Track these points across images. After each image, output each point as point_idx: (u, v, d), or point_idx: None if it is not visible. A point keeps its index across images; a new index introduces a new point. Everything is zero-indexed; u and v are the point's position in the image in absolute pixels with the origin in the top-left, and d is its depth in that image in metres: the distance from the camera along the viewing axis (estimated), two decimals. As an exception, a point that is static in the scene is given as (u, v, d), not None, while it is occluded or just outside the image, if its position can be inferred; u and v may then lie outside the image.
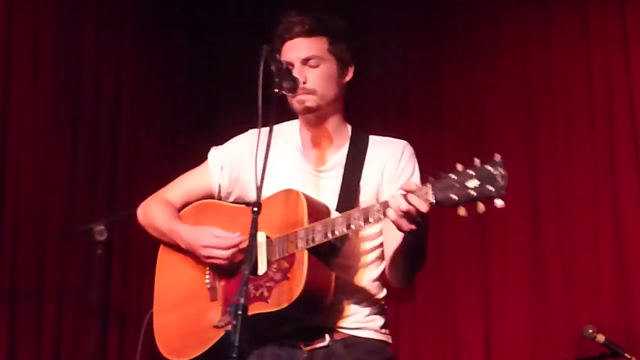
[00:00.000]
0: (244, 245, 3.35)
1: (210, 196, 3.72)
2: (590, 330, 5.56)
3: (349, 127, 3.68)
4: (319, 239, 3.21)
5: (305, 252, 3.22)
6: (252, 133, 3.71)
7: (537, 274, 6.42)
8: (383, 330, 3.53)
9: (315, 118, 3.59)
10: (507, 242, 6.54)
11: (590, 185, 6.27)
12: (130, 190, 6.96)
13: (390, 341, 3.58)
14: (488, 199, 2.85)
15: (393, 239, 3.38)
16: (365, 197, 3.48)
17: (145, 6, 7.46)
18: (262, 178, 3.11)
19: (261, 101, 3.17)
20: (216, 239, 3.42)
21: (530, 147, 6.55)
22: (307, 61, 3.52)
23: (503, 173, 2.85)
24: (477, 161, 2.92)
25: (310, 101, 3.51)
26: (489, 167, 2.88)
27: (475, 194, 2.87)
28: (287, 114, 3.65)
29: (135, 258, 6.99)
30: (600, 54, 6.37)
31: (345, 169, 3.53)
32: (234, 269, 3.44)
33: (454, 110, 7.01)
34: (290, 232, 3.29)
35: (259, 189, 3.09)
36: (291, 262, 3.25)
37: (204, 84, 7.93)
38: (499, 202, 2.85)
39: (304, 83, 3.50)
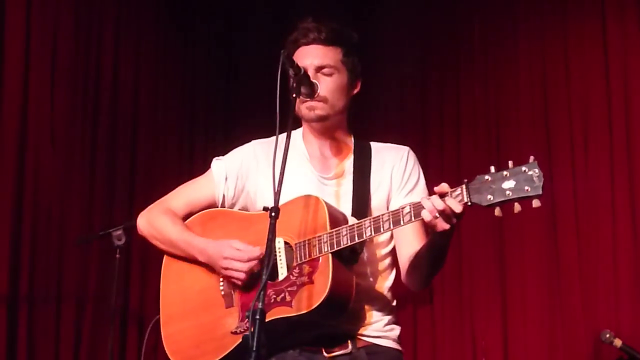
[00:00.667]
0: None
1: (213, 206, 3.69)
2: (608, 335, 5.57)
3: (352, 136, 3.69)
4: (344, 242, 3.22)
5: (330, 256, 3.22)
6: (257, 143, 3.72)
7: (554, 279, 6.41)
8: (398, 340, 3.53)
9: (322, 127, 3.59)
10: (525, 247, 6.54)
11: (608, 190, 6.26)
12: (148, 195, 6.88)
13: (403, 350, 3.57)
14: (525, 199, 2.90)
15: (408, 244, 3.41)
16: (377, 203, 3.51)
17: (165, 10, 7.48)
18: (280, 183, 3.11)
19: (279, 106, 3.17)
20: (237, 252, 3.40)
21: (547, 152, 6.55)
22: (321, 69, 3.52)
23: (539, 173, 2.91)
24: (510, 163, 2.97)
25: (320, 109, 3.51)
26: (525, 168, 2.93)
27: (511, 194, 2.91)
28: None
29: (153, 262, 6.92)
30: (617, 57, 6.37)
31: (354, 176, 3.55)
32: (250, 276, 3.43)
33: (471, 115, 7.01)
34: (313, 237, 3.29)
35: (277, 194, 3.09)
36: (314, 266, 3.25)
37: (222, 89, 7.96)
38: (535, 203, 2.90)
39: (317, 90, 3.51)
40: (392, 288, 3.54)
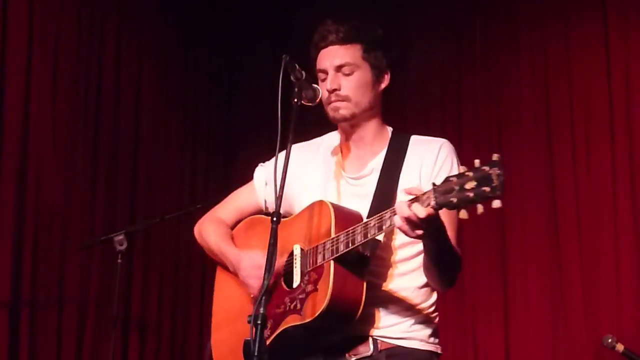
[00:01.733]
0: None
1: (260, 212, 3.76)
2: (610, 340, 5.55)
3: (389, 131, 3.65)
4: (342, 248, 3.20)
5: (331, 263, 3.21)
6: (296, 147, 3.67)
7: (556, 284, 6.40)
8: (431, 340, 3.49)
9: (350, 126, 3.57)
10: (527, 251, 6.53)
11: (610, 193, 6.25)
12: (150, 201, 6.99)
13: (439, 351, 3.53)
14: (485, 200, 2.77)
15: None
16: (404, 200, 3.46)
17: (166, 15, 7.49)
18: (282, 188, 3.13)
19: (280, 111, 3.18)
20: (254, 269, 3.45)
21: (548, 155, 6.54)
22: (341, 68, 3.51)
23: (498, 172, 2.76)
24: (476, 162, 2.84)
25: (344, 109, 3.50)
26: (486, 167, 2.79)
27: (472, 195, 2.79)
28: (329, 125, 3.66)
29: (155, 267, 7.01)
30: (619, 59, 6.36)
31: (381, 173, 3.50)
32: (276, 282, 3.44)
33: (472, 118, 7.01)
34: (319, 243, 3.29)
35: (279, 199, 3.11)
36: (320, 274, 3.25)
37: (224, 91, 7.95)
38: (495, 203, 2.77)
39: (338, 90, 3.49)
40: (426, 286, 3.47)
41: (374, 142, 3.60)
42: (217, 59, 7.88)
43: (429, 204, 2.90)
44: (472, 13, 7.14)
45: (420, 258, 3.42)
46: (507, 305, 6.60)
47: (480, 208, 2.80)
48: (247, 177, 3.88)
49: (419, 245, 3.40)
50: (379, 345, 3.36)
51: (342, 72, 3.51)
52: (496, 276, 6.67)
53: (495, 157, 2.80)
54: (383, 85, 3.61)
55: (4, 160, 5.97)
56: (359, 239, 3.18)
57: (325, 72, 3.53)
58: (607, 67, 6.39)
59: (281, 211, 3.61)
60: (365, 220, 3.27)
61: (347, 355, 3.36)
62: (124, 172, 6.88)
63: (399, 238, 3.38)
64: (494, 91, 6.95)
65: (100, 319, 6.41)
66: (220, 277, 3.79)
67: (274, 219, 3.07)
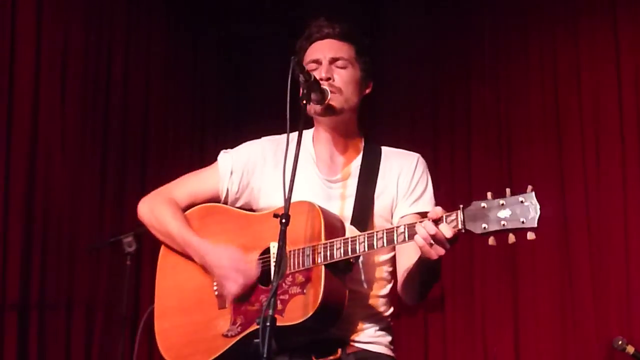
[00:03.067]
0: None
1: (216, 199, 3.68)
2: (620, 342, 5.55)
3: (362, 139, 3.66)
4: (337, 255, 3.19)
5: (323, 268, 3.19)
6: (267, 140, 3.73)
7: (566, 286, 6.39)
8: (392, 347, 3.51)
9: (334, 123, 3.56)
10: (537, 254, 6.51)
11: (620, 196, 6.25)
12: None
13: (395, 357, 3.54)
14: (519, 231, 2.83)
15: (408, 257, 3.37)
16: (380, 209, 3.48)
17: (174, 15, 7.50)
18: (291, 189, 3.09)
19: (289, 112, 3.17)
20: (233, 273, 3.37)
21: (558, 159, 6.54)
22: (335, 61, 3.52)
23: (535, 205, 2.83)
24: (508, 191, 2.89)
25: (335, 101, 3.48)
26: (522, 199, 2.85)
27: (506, 224, 2.85)
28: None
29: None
30: (629, 62, 6.35)
31: (359, 180, 3.51)
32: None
33: (482, 121, 7.00)
34: (307, 246, 3.26)
35: (287, 201, 3.08)
36: (307, 277, 3.23)
37: (232, 94, 7.95)
38: (530, 235, 2.84)
39: (332, 80, 3.48)
40: (389, 296, 3.52)
41: (349, 147, 3.61)
42: (226, 59, 7.89)
43: (455, 226, 2.93)
44: (481, 18, 7.13)
45: (388, 267, 3.51)
46: (517, 307, 6.59)
47: (512, 238, 2.86)
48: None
49: (390, 254, 3.50)
50: (348, 349, 3.37)
51: (335, 64, 3.52)
52: (506, 279, 6.66)
53: (529, 188, 2.86)
54: (367, 91, 3.63)
55: (13, 162, 5.98)
56: (360, 249, 3.17)
57: (318, 62, 3.53)
58: (617, 71, 6.39)
59: (243, 201, 3.62)
60: (347, 225, 3.33)
61: (313, 357, 3.35)
62: (133, 174, 6.88)
63: None
64: (503, 96, 6.94)
65: (109, 321, 6.42)
66: (168, 259, 3.70)
67: (283, 220, 3.03)
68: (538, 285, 6.52)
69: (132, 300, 6.54)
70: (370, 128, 3.78)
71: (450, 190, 6.60)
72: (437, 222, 2.97)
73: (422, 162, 3.59)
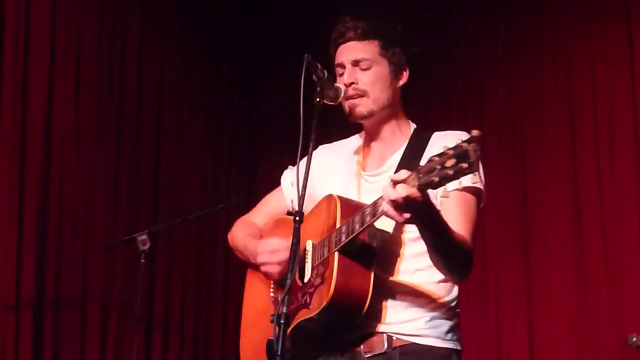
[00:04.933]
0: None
1: (290, 214, 3.72)
2: (635, 339, 5.53)
3: (412, 128, 3.62)
4: (343, 239, 3.17)
5: (335, 254, 3.18)
6: (322, 148, 3.71)
7: (580, 282, 6.38)
8: (449, 336, 3.40)
9: (370, 125, 3.56)
10: (551, 249, 6.51)
11: (634, 191, 6.23)
12: (172, 200, 7.00)
13: (458, 347, 3.45)
14: (463, 176, 2.72)
15: None
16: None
17: (189, 14, 7.51)
18: (304, 187, 3.10)
19: (303, 110, 3.17)
20: (267, 254, 3.46)
21: (572, 154, 6.52)
22: (358, 63, 3.50)
23: (476, 147, 2.68)
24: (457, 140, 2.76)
25: (362, 106, 3.47)
26: (464, 144, 2.71)
27: (451, 172, 2.71)
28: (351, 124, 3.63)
29: (178, 267, 7.02)
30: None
31: (397, 168, 3.40)
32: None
33: (495, 119, 6.99)
34: (325, 236, 3.29)
35: (301, 198, 3.09)
36: (326, 266, 3.23)
37: (246, 91, 7.96)
38: (473, 178, 2.83)
39: (355, 83, 3.47)
40: (443, 282, 3.39)
41: (394, 139, 3.57)
42: (239, 59, 7.89)
43: (413, 185, 2.81)
44: (495, 14, 7.12)
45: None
46: (531, 304, 6.58)
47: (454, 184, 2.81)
48: (270, 176, 3.88)
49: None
50: (394, 342, 3.30)
51: (359, 67, 3.50)
52: (519, 275, 6.65)
53: (474, 132, 2.72)
54: (401, 82, 3.58)
55: (27, 161, 5.99)
56: (357, 228, 3.12)
57: (343, 66, 3.52)
58: (631, 67, 6.37)
59: (305, 210, 3.62)
60: None
61: (359, 350, 3.31)
62: (147, 172, 6.90)
63: (411, 232, 3.30)
64: (516, 92, 6.93)
65: (123, 319, 6.42)
66: (250, 278, 3.78)
67: (297, 218, 3.05)
68: (552, 281, 6.50)
69: (147, 299, 6.56)
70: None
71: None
72: (398, 184, 2.86)
73: (465, 137, 3.48)
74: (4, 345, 5.75)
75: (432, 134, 3.53)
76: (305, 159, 3.23)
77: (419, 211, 2.89)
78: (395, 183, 2.85)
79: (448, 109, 7.29)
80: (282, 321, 2.86)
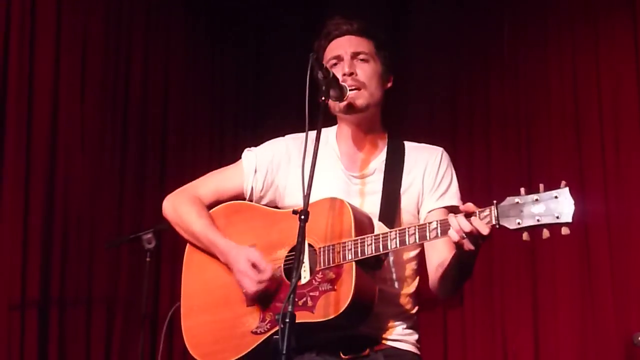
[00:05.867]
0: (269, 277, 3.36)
1: (241, 197, 3.70)
2: (640, 338, 5.53)
3: (386, 134, 3.68)
4: (369, 252, 3.20)
5: (354, 264, 3.20)
6: (291, 138, 3.74)
7: (586, 282, 6.36)
8: (419, 345, 3.52)
9: (359, 119, 3.58)
10: (556, 249, 6.49)
11: (640, 193, 6.22)
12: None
13: (421, 355, 3.55)
14: (554, 226, 2.86)
15: (438, 252, 3.40)
16: (406, 204, 3.49)
17: (193, 12, 7.50)
18: (310, 186, 3.10)
19: (308, 109, 3.17)
20: (250, 270, 3.39)
21: (577, 154, 6.50)
22: (357, 55, 3.54)
23: (570, 200, 2.86)
24: (541, 186, 2.92)
25: (361, 98, 3.51)
26: (556, 194, 2.88)
27: (541, 219, 2.87)
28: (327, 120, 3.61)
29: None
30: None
31: (385, 176, 3.53)
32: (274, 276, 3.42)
33: (501, 117, 6.98)
34: (337, 243, 3.27)
35: (307, 197, 3.08)
36: (338, 273, 3.23)
37: (251, 90, 7.95)
38: (565, 230, 2.87)
39: (355, 75, 3.50)
40: (414, 294, 3.53)
41: (373, 142, 3.63)
42: (244, 58, 7.89)
43: (489, 222, 2.95)
44: (501, 12, 7.11)
45: (414, 264, 3.52)
46: (537, 304, 6.57)
47: (546, 233, 2.89)
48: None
49: (415, 251, 3.51)
50: (376, 347, 3.39)
51: (358, 59, 3.54)
52: (525, 275, 6.64)
53: (563, 184, 2.88)
54: (389, 85, 3.65)
55: (33, 160, 6.00)
56: (392, 245, 3.19)
57: (340, 58, 3.55)
58: (637, 64, 6.35)
59: (267, 200, 3.64)
60: (376, 222, 3.35)
61: (340, 354, 3.36)
62: (152, 170, 6.90)
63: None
64: (522, 91, 6.92)
65: (129, 318, 6.44)
66: (193, 257, 3.69)
67: (302, 217, 3.03)
68: (558, 281, 6.49)
69: (152, 297, 6.56)
70: (391, 123, 3.76)
71: (469, 186, 6.58)
72: (468, 216, 2.99)
73: (446, 156, 3.61)
74: (9, 344, 5.76)
75: (403, 142, 3.64)
76: (308, 157, 3.22)
77: (483, 244, 3.04)
78: (468, 215, 2.99)
79: (454, 108, 7.28)
80: (287, 320, 2.85)
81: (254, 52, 7.96)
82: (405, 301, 3.49)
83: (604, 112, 6.44)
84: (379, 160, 3.58)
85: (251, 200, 3.68)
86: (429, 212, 3.48)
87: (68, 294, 6.16)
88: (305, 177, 3.12)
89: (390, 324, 3.43)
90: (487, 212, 2.97)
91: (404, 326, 3.46)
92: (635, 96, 6.31)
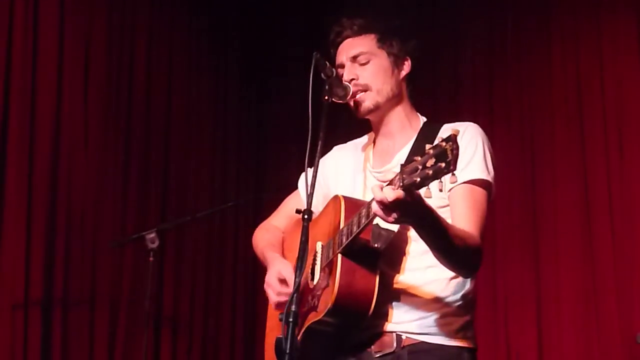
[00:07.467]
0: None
1: None
2: (645, 337, 5.52)
3: (422, 121, 3.58)
4: (343, 241, 3.15)
5: (339, 256, 3.16)
6: (337, 148, 3.73)
7: (589, 281, 6.35)
8: (460, 334, 3.36)
9: (377, 119, 3.54)
10: (559, 248, 6.48)
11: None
12: (181, 198, 7.00)
13: (469, 345, 3.41)
14: (442, 176, 2.66)
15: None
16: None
17: (197, 13, 7.50)
18: (313, 186, 3.10)
19: (311, 109, 3.16)
20: (275, 282, 3.43)
21: (581, 151, 6.49)
22: (356, 58, 3.50)
23: (453, 146, 2.63)
24: (437, 139, 2.72)
25: (367, 100, 3.46)
26: (442, 143, 2.67)
27: (431, 172, 2.67)
28: (360, 122, 3.62)
29: (187, 266, 7.02)
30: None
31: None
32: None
33: (504, 116, 6.97)
34: (331, 238, 3.27)
35: (310, 196, 3.08)
36: (331, 268, 3.21)
37: (255, 90, 7.95)
38: (452, 178, 2.66)
39: (356, 79, 3.47)
40: (454, 278, 3.35)
41: (402, 133, 3.53)
42: (248, 57, 7.88)
43: (399, 186, 2.78)
44: (504, 9, 7.10)
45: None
46: (540, 303, 6.56)
47: (438, 185, 2.69)
48: (278, 174, 3.88)
49: None
50: (403, 341, 3.27)
51: (357, 62, 3.50)
52: (528, 274, 6.63)
53: (453, 131, 2.68)
54: (404, 73, 3.55)
55: (36, 159, 6.00)
56: (355, 229, 3.10)
57: (342, 65, 3.52)
58: (639, 60, 6.34)
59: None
60: None
61: (370, 350, 3.29)
62: (156, 170, 6.90)
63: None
64: (525, 84, 6.90)
65: (132, 317, 6.43)
66: None
67: (305, 216, 3.04)
68: (561, 280, 6.48)
69: (155, 297, 6.56)
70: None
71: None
72: (386, 185, 2.83)
73: (471, 129, 3.40)
74: (13, 343, 5.77)
75: (440, 126, 3.44)
76: (315, 158, 3.21)
77: (407, 212, 2.85)
78: (384, 184, 2.84)
79: (457, 105, 7.26)
80: (291, 319, 2.85)
81: (259, 51, 7.94)
82: (439, 288, 3.32)
83: (607, 111, 6.43)
84: (404, 151, 3.46)
85: None
86: (449, 190, 3.29)
87: (71, 294, 6.16)
88: (308, 178, 3.13)
89: (416, 315, 3.29)
90: (396, 177, 2.80)
91: (436, 316, 3.30)
92: (639, 95, 6.30)
